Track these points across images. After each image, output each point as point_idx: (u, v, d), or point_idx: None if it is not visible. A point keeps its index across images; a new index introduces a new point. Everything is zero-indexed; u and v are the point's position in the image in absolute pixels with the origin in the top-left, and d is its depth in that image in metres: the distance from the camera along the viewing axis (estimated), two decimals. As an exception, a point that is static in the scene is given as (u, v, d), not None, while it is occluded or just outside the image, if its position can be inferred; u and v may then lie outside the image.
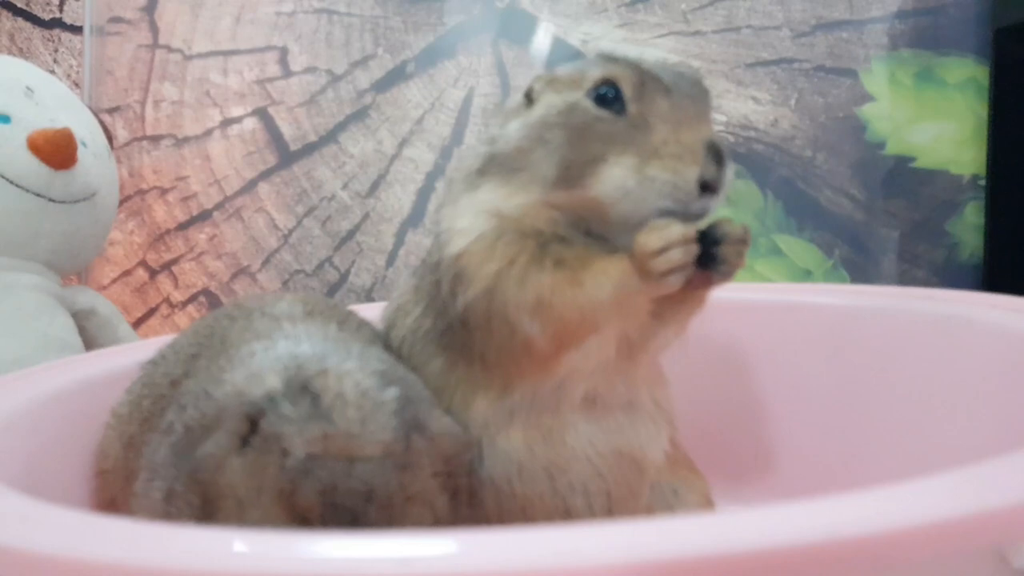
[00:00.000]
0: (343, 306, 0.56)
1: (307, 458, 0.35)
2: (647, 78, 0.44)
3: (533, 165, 0.45)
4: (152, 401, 0.48)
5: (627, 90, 0.44)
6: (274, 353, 0.41)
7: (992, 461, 0.31)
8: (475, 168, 0.48)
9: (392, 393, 0.39)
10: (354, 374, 0.39)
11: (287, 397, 0.37)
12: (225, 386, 0.40)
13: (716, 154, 0.42)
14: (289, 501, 0.35)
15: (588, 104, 0.44)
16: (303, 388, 0.38)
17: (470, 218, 0.46)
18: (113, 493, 0.51)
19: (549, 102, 0.47)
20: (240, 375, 0.40)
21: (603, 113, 0.44)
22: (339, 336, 0.45)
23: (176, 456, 0.40)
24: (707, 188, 0.42)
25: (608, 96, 0.44)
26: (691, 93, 0.44)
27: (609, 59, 0.46)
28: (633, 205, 0.43)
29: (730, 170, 0.43)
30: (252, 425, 0.37)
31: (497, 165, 0.47)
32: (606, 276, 0.42)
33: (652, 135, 0.43)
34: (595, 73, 0.45)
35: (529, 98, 0.49)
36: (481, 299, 0.44)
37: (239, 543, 0.27)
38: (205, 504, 0.37)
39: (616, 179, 0.43)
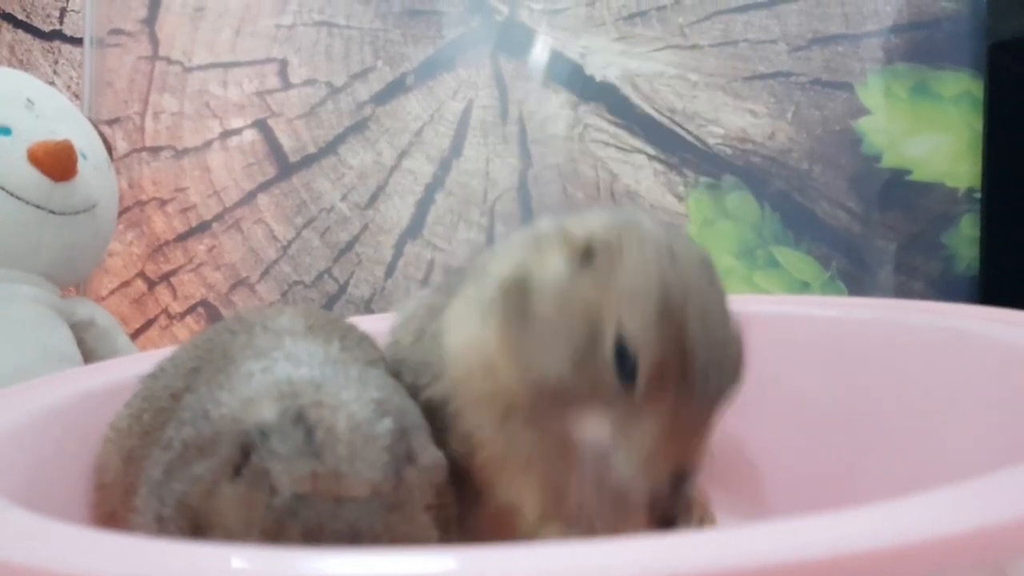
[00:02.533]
0: (344, 321, 0.55)
1: (294, 497, 0.35)
2: (674, 359, 0.38)
3: (541, 351, 0.41)
4: (153, 415, 0.48)
5: (644, 367, 0.38)
6: (272, 376, 0.40)
7: (991, 476, 0.31)
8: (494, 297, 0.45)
9: (386, 426, 0.38)
10: (349, 405, 0.38)
11: (279, 430, 0.36)
12: (222, 408, 0.39)
13: (678, 482, 0.39)
14: (274, 539, 0.34)
15: (608, 351, 0.39)
16: (296, 419, 0.37)
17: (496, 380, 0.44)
18: (113, 507, 0.50)
19: (587, 297, 0.41)
20: (237, 398, 0.39)
21: (613, 372, 0.39)
22: (339, 357, 0.44)
23: (169, 475, 0.39)
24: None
25: (628, 357, 0.38)
26: (709, 395, 0.39)
27: (667, 310, 0.39)
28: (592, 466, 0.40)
29: (683, 502, 0.40)
30: (245, 455, 0.36)
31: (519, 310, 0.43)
32: None
33: (637, 425, 0.39)
34: (636, 317, 0.38)
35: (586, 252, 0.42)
36: None
37: (237, 559, 0.27)
38: (194, 531, 0.37)
39: (587, 435, 0.40)
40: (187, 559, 0.27)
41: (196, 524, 0.37)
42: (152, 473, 0.42)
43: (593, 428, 0.39)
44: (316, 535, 0.34)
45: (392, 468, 0.37)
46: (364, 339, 0.53)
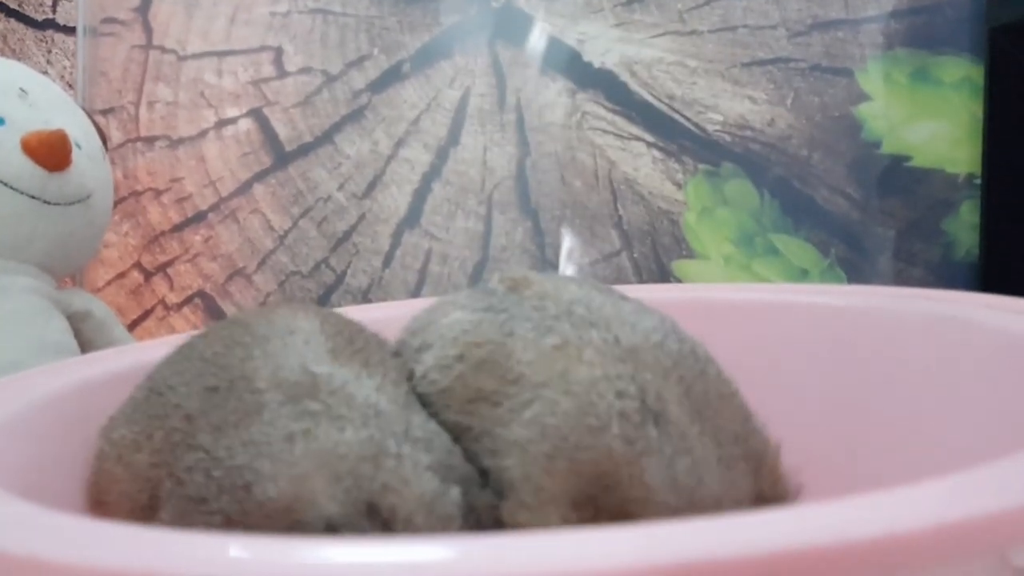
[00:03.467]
0: (355, 323, 0.52)
1: None
2: None
3: None
4: (165, 435, 0.45)
5: None
6: (316, 443, 0.37)
7: (993, 463, 0.31)
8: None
9: (454, 498, 0.35)
10: (414, 484, 0.35)
11: (351, 526, 0.33)
12: (265, 483, 0.36)
13: None
14: None
15: None
16: (369, 512, 0.34)
17: None
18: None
19: None
20: (283, 477, 0.36)
21: None
22: (378, 401, 0.41)
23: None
24: None
25: None
26: None
27: None
28: None
29: None
30: None
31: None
32: None
33: None
34: None
35: None
36: None
37: (236, 548, 0.26)
38: None
39: None
40: (184, 548, 0.27)
41: None
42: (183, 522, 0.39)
43: None
44: None
45: None
46: (382, 347, 0.50)
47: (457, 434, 0.42)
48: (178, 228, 1.47)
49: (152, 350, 0.57)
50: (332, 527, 0.33)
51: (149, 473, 0.44)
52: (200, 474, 0.40)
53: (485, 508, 0.37)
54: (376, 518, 0.34)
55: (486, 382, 0.43)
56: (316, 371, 0.42)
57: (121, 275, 1.48)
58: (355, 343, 0.48)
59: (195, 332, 0.52)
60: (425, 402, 0.44)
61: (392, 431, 0.38)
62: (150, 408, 0.47)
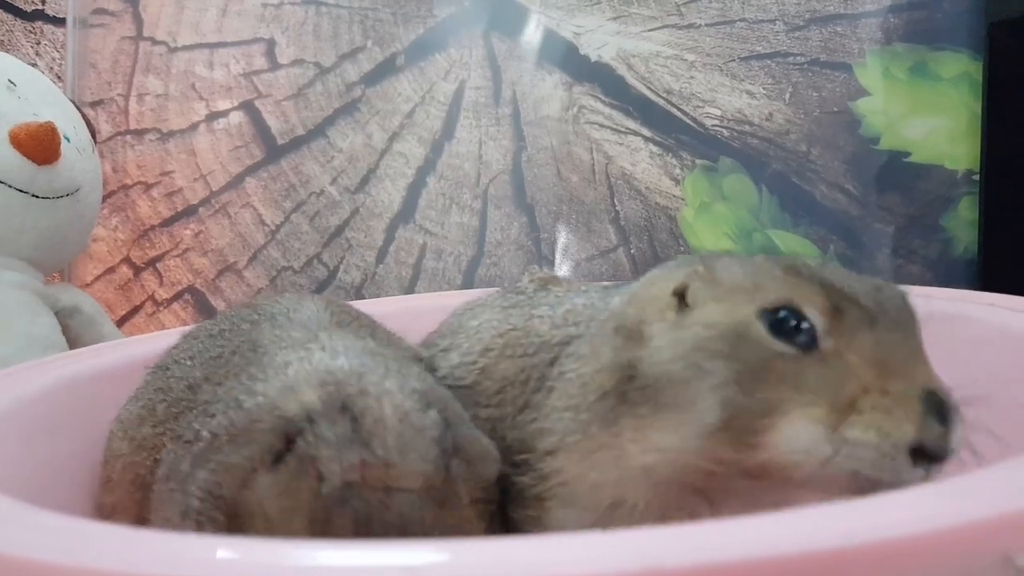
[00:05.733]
0: (366, 315, 0.55)
1: (344, 486, 0.34)
2: (843, 302, 0.35)
3: (688, 404, 0.36)
4: (168, 405, 0.47)
5: (816, 318, 0.35)
6: (310, 365, 0.39)
7: (998, 466, 0.30)
8: (608, 389, 0.39)
9: (432, 417, 0.37)
10: (394, 395, 0.37)
11: (326, 417, 0.35)
12: (257, 397, 0.38)
13: (939, 407, 0.33)
14: (322, 528, 0.34)
15: (762, 332, 0.35)
16: (343, 408, 0.36)
17: (615, 480, 0.38)
18: (117, 499, 0.50)
19: (709, 318, 0.37)
20: (274, 386, 0.38)
21: (784, 347, 0.35)
22: (376, 349, 0.43)
23: (197, 466, 0.38)
24: (927, 455, 0.32)
25: (790, 324, 0.35)
26: (899, 322, 0.35)
27: (790, 270, 0.36)
28: (823, 471, 0.33)
29: (959, 429, 0.33)
30: (287, 443, 0.35)
31: (639, 393, 0.38)
32: None
33: (850, 381, 0.33)
34: (771, 291, 0.36)
35: (682, 298, 0.39)
36: None
37: (223, 550, 0.26)
38: (231, 521, 0.36)
39: (801, 439, 0.33)
40: (173, 550, 0.27)
41: (231, 515, 0.36)
42: (175, 467, 0.41)
43: (804, 430, 0.33)
44: (366, 526, 0.33)
45: (442, 461, 0.36)
46: (393, 336, 0.52)
47: (491, 428, 0.43)
48: (168, 222, 1.45)
49: (141, 345, 0.57)
50: (311, 419, 0.35)
51: (153, 442, 0.46)
52: (197, 417, 0.41)
53: (469, 441, 0.39)
54: (347, 414, 0.35)
55: (509, 368, 0.44)
56: (320, 333, 0.45)
57: (110, 270, 1.47)
58: (360, 320, 0.50)
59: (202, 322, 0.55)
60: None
61: (385, 365, 0.40)
62: (155, 382, 0.49)
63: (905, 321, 0.36)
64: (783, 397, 0.34)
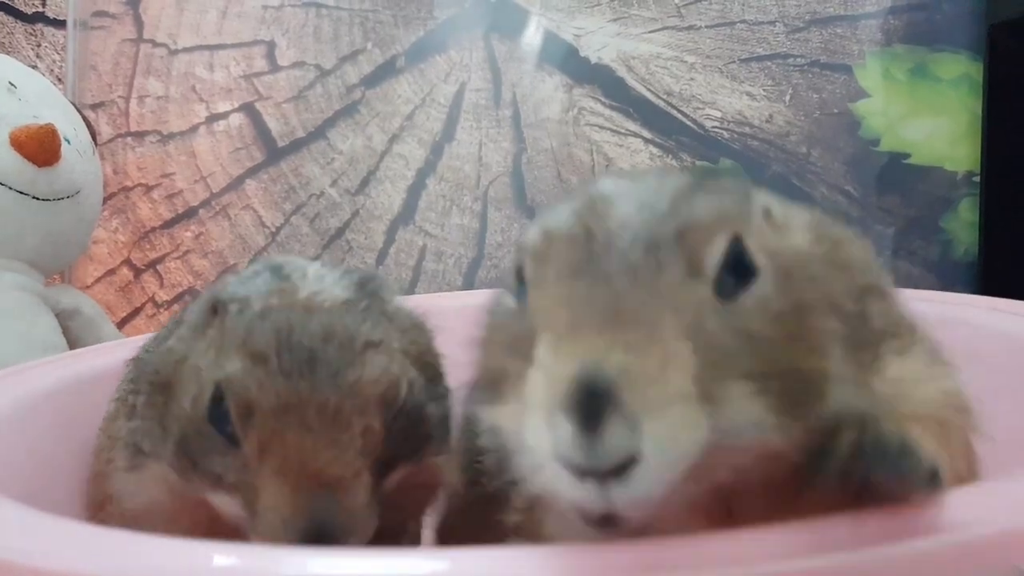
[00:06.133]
0: None
1: (264, 308, 0.38)
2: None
3: None
4: (146, 397, 0.46)
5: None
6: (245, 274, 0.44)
7: (1007, 479, 0.30)
8: None
9: (352, 278, 0.42)
10: (317, 266, 0.43)
11: (251, 275, 0.41)
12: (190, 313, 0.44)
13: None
14: (249, 348, 0.37)
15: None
16: (269, 268, 0.41)
17: None
18: (103, 495, 0.50)
19: None
20: (202, 299, 0.44)
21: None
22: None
23: (138, 371, 0.44)
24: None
25: None
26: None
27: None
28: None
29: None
30: (215, 310, 0.40)
31: None
32: None
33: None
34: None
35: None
36: None
37: (220, 556, 0.26)
38: (166, 395, 0.40)
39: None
40: (169, 555, 0.27)
41: (167, 388, 0.40)
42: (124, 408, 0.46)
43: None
44: (288, 339, 0.36)
45: (361, 290, 0.41)
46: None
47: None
48: (168, 224, 1.45)
49: (140, 346, 0.57)
50: (234, 283, 0.41)
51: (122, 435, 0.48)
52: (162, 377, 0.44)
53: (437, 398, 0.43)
54: (270, 270, 0.41)
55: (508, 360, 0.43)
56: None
57: (110, 272, 1.47)
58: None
59: None
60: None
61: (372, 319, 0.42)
62: (129, 374, 0.50)
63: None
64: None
